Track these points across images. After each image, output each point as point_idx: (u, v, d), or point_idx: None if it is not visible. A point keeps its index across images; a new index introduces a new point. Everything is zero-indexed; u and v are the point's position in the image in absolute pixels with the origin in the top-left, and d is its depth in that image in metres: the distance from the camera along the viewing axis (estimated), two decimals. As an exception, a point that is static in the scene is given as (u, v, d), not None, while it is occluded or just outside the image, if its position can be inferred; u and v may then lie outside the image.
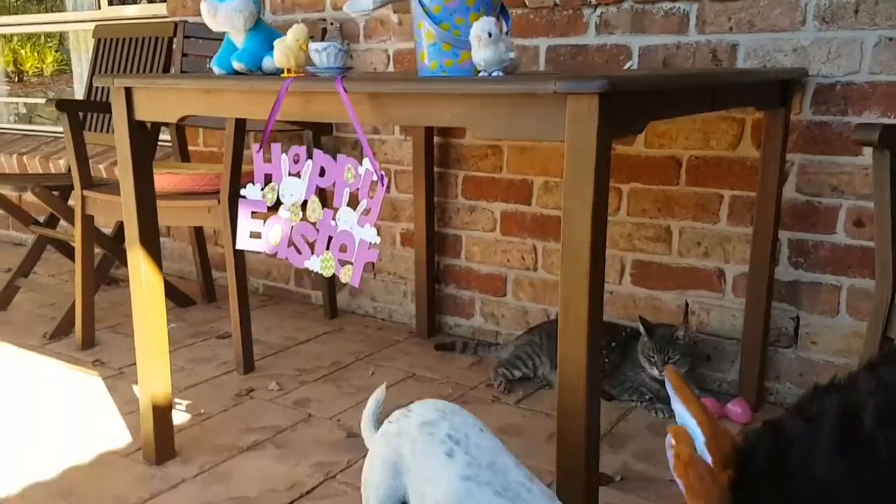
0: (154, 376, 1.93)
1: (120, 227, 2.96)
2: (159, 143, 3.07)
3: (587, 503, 1.28)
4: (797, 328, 2.23)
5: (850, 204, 2.10)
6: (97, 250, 2.79)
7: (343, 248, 1.49)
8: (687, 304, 2.31)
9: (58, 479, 1.91)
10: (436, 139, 2.74)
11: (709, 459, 1.22)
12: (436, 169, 2.75)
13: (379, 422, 1.48)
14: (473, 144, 2.69)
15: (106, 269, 2.94)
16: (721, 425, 1.23)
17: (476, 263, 2.78)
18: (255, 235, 1.62)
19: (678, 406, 1.26)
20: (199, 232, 3.21)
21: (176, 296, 3.13)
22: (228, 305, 2.57)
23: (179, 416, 2.19)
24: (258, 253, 1.98)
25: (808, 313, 2.21)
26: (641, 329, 2.23)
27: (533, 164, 2.59)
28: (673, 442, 1.10)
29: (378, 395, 1.42)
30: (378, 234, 1.45)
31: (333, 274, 1.51)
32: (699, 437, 1.23)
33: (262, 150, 1.55)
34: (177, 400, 2.28)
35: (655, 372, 2.21)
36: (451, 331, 2.88)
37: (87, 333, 2.73)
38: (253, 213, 1.62)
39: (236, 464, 1.98)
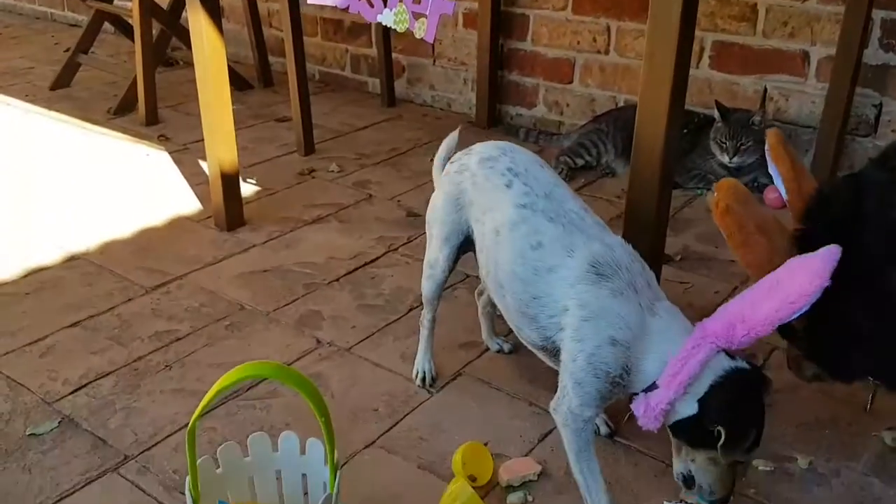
0: (221, 144, 1.94)
1: (175, 1, 2.87)
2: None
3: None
4: (878, 116, 2.13)
5: (962, -23, 1.93)
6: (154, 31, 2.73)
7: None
8: (766, 90, 2.20)
9: (135, 239, 2.00)
10: None
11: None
12: (505, -64, 2.56)
13: None
14: None
15: (163, 47, 2.90)
16: (810, 181, 1.22)
17: (542, 47, 2.65)
18: (323, -11, 1.55)
19: (771, 165, 1.25)
20: (254, 12, 3.11)
21: (233, 78, 3.08)
22: (285, 90, 2.54)
23: (246, 190, 2.23)
24: (326, 7, 1.81)
25: (892, 100, 2.10)
26: (716, 113, 2.15)
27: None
28: (715, 193, 1.11)
29: (451, 139, 1.41)
30: (452, -16, 1.37)
31: (407, 29, 1.45)
32: (785, 194, 1.24)
33: None
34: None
35: (726, 158, 2.15)
36: (511, 121, 2.81)
37: (151, 109, 2.74)
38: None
39: (302, 234, 2.03)
